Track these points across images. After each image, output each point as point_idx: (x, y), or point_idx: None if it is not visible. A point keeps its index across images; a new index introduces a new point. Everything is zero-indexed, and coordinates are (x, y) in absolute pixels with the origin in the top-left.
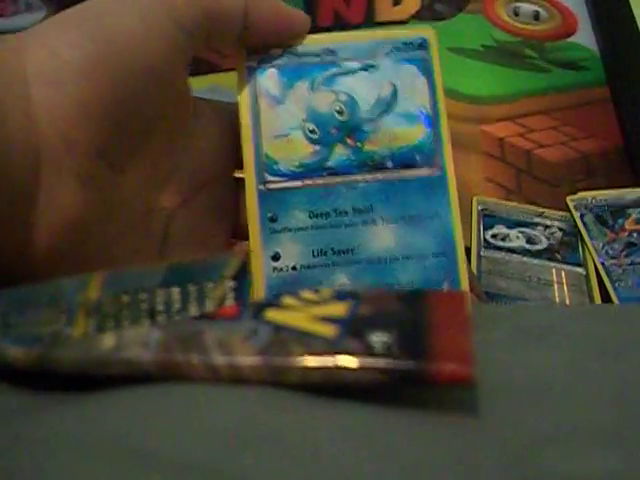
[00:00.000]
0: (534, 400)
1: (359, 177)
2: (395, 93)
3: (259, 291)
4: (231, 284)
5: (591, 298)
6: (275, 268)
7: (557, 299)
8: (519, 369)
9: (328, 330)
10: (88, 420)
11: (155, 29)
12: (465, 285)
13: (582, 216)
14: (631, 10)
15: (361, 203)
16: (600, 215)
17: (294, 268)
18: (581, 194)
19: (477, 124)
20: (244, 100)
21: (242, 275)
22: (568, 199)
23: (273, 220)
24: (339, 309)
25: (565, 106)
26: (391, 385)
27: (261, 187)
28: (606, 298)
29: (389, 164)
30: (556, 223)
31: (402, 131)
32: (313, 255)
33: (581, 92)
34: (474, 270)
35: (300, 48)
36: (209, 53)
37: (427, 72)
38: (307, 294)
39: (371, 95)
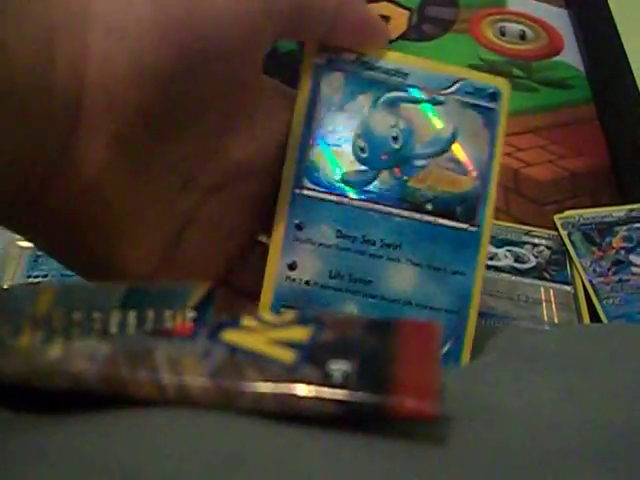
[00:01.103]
0: (523, 423)
1: (396, 211)
2: (454, 136)
3: (267, 295)
4: (191, 314)
5: (579, 316)
6: (288, 277)
7: (545, 317)
8: (509, 392)
9: (286, 355)
10: (73, 440)
11: (241, 9)
12: (468, 347)
13: (570, 234)
14: (616, 29)
15: (391, 238)
16: (587, 233)
17: (307, 283)
18: (568, 212)
19: None
20: (302, 97)
21: (205, 306)
22: (556, 217)
23: (299, 228)
24: (300, 334)
25: (552, 125)
26: (348, 417)
27: (296, 190)
28: (594, 316)
29: (429, 207)
30: (544, 242)
31: (450, 177)
32: (330, 276)
33: (568, 111)
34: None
35: (373, 60)
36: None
37: (492, 124)
38: (268, 316)
39: (430, 131)
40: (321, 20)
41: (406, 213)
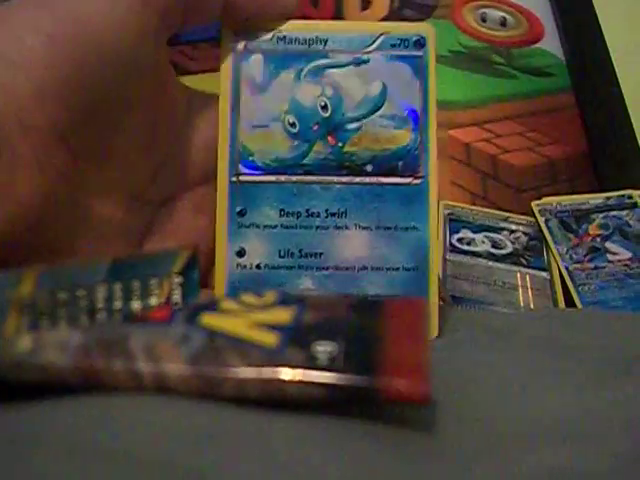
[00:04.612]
0: (495, 398)
1: (336, 179)
2: (384, 92)
3: (220, 286)
4: (178, 279)
5: (555, 302)
6: (239, 264)
7: (521, 303)
8: (482, 368)
9: (269, 338)
10: (54, 423)
11: (122, 10)
12: (435, 302)
13: (547, 221)
14: (597, 17)
15: (335, 206)
16: (564, 220)
17: (258, 267)
18: (546, 199)
19: (444, 129)
20: (225, 84)
21: (190, 270)
22: (533, 204)
23: (242, 214)
24: (283, 315)
25: (531, 112)
26: (335, 401)
27: (233, 179)
28: (570, 302)
29: (369, 168)
30: (521, 228)
31: (387, 134)
32: (279, 255)
33: (547, 98)
34: (439, 274)
35: (290, 34)
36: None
37: (421, 73)
38: (248, 298)
39: (359, 92)
40: (209, 2)
41: (346, 179)
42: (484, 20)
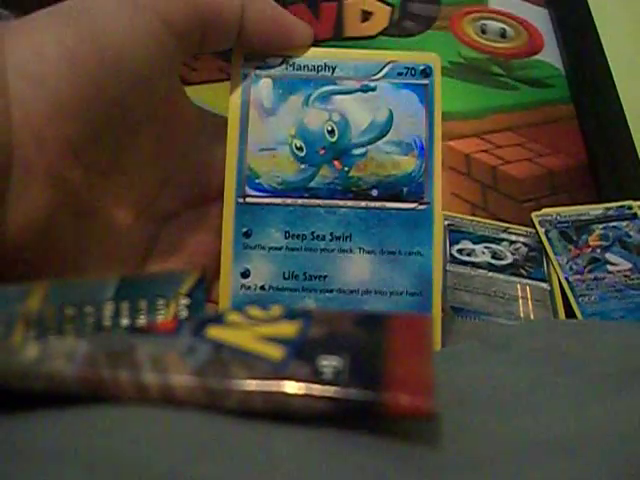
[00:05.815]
0: (494, 410)
1: (341, 202)
2: (390, 119)
3: (224, 307)
4: (185, 301)
5: (555, 313)
6: (243, 285)
7: (522, 314)
8: (482, 381)
9: (274, 352)
10: (59, 433)
11: (142, 31)
12: (438, 328)
13: (547, 232)
14: (596, 29)
15: (340, 230)
16: (564, 231)
17: (262, 288)
18: (546, 210)
19: (444, 140)
20: (234, 107)
21: (197, 292)
22: (533, 215)
23: (247, 235)
24: (288, 329)
25: (531, 123)
26: (340, 415)
27: (240, 200)
28: (570, 313)
29: (374, 193)
30: (521, 239)
31: (392, 160)
32: (284, 277)
33: (547, 109)
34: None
35: (299, 60)
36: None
37: (427, 100)
38: (254, 311)
39: (365, 118)
40: (226, 27)
41: (352, 203)
42: (484, 32)
